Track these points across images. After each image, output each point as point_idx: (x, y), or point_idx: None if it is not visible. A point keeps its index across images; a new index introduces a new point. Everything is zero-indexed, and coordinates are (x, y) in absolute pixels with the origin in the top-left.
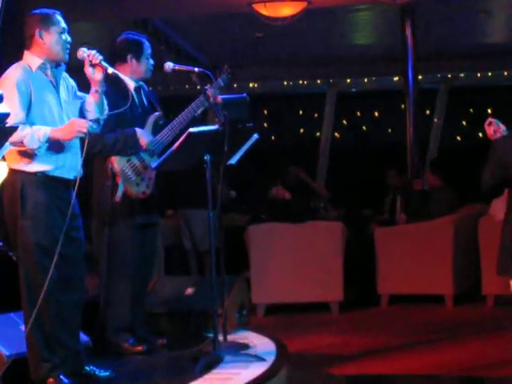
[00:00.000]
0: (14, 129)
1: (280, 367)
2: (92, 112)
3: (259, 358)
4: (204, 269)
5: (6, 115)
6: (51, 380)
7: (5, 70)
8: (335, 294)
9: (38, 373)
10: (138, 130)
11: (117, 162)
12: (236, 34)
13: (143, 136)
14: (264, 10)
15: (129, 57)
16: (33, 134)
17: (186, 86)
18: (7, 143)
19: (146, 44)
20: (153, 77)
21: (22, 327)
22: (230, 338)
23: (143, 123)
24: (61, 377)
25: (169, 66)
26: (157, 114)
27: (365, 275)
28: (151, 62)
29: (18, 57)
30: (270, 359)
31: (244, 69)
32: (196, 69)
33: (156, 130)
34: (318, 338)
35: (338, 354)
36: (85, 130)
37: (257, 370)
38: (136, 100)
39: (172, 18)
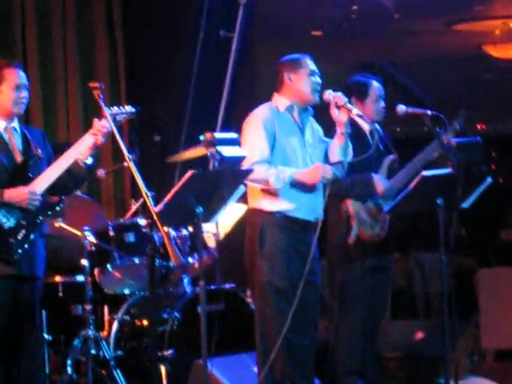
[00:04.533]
0: (248, 172)
1: None
2: (336, 154)
3: None
4: (432, 312)
5: (242, 158)
6: None
7: (238, 112)
8: None
9: None
10: (374, 176)
11: (352, 205)
12: (463, 75)
13: (380, 182)
14: (494, 51)
15: (353, 99)
16: (278, 174)
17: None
18: (242, 186)
19: (374, 85)
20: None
21: (254, 368)
22: (460, 383)
23: (377, 166)
24: None
25: (401, 109)
26: (392, 157)
27: None
28: (381, 104)
29: (250, 99)
30: None
31: (472, 111)
32: (429, 112)
33: (390, 174)
34: None
35: None
36: (329, 177)
37: None
38: (371, 142)
39: (401, 61)
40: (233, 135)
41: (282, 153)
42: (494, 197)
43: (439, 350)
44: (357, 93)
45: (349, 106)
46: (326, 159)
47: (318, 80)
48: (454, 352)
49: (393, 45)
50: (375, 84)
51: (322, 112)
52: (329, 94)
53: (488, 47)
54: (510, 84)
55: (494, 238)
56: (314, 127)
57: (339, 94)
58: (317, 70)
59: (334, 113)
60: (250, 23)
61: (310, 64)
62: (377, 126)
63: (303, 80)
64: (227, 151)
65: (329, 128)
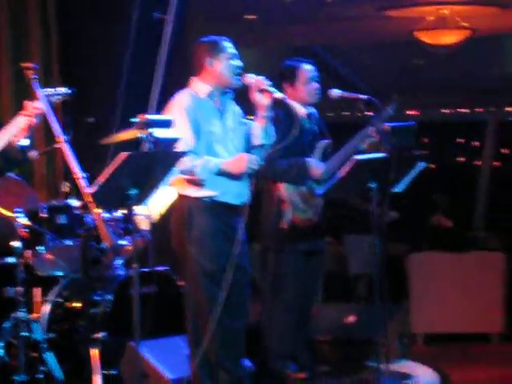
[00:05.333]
0: (182, 154)
1: None
2: (258, 137)
3: None
4: (362, 296)
5: (175, 140)
6: None
7: (171, 95)
8: (495, 324)
9: None
10: (310, 160)
11: (285, 189)
12: (396, 61)
13: (315, 167)
14: (426, 37)
15: (284, 84)
16: (204, 165)
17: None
18: (176, 168)
19: (303, 68)
20: (321, 103)
21: (186, 351)
22: (391, 367)
23: (311, 150)
24: None
25: (335, 93)
26: (326, 141)
27: None
28: (313, 85)
29: (184, 82)
30: None
31: (403, 97)
32: (362, 96)
33: (324, 158)
34: (477, 370)
35: None
36: (255, 166)
37: None
38: (306, 126)
39: (334, 46)
40: (166, 117)
41: (205, 140)
42: (425, 182)
43: (370, 334)
44: (286, 76)
45: (270, 89)
46: (247, 142)
47: (238, 63)
48: (385, 336)
49: (326, 30)
50: (305, 66)
51: (242, 94)
52: (250, 78)
53: (420, 33)
54: (442, 70)
55: (425, 222)
56: (234, 110)
57: (261, 77)
58: (236, 53)
59: (256, 96)
60: (184, 5)
61: (230, 47)
62: (313, 109)
63: (223, 64)
64: (160, 133)
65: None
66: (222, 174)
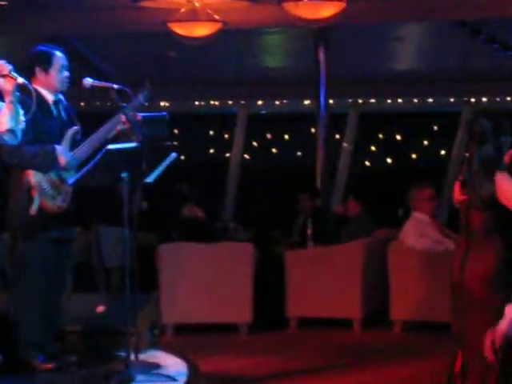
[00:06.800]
0: None
1: None
2: (6, 122)
3: (171, 378)
4: (112, 286)
5: None
6: None
7: None
8: (244, 315)
9: None
10: (57, 147)
11: (33, 175)
12: (150, 53)
13: (63, 154)
14: (179, 29)
15: (37, 69)
16: None
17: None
18: None
19: (57, 55)
20: (74, 92)
21: None
22: (141, 357)
23: (61, 137)
24: None
25: (87, 81)
26: (75, 128)
27: (274, 297)
28: (65, 74)
29: None
30: (182, 379)
31: (156, 88)
32: (115, 85)
33: (73, 145)
34: (226, 360)
35: (248, 375)
36: None
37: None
38: (54, 113)
39: (87, 36)
40: None
41: None
42: (175, 173)
43: (120, 324)
44: (41, 62)
45: (13, 74)
46: None
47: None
48: (134, 326)
49: (80, 19)
50: (58, 54)
51: None
52: None
53: (173, 25)
54: (194, 62)
55: (175, 213)
56: None
57: (2, 62)
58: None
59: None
60: None
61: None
62: (61, 96)
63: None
64: None
65: None
66: None
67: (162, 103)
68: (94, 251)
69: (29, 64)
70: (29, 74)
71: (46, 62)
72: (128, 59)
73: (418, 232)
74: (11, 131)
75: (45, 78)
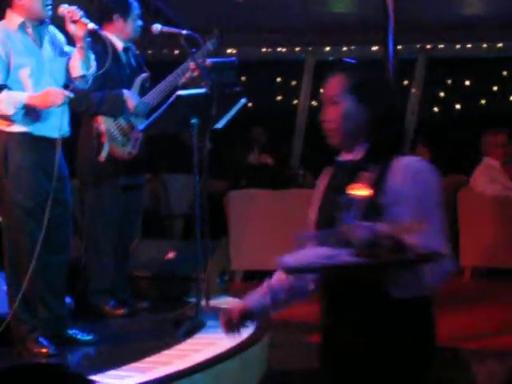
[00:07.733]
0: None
1: (263, 333)
2: (78, 68)
3: None
4: (180, 233)
5: None
6: (30, 341)
7: None
8: None
9: (17, 334)
10: (125, 91)
11: (103, 122)
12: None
13: (131, 98)
14: None
15: (115, 16)
16: (8, 100)
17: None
18: None
19: (134, 4)
20: (141, 39)
21: (4, 287)
22: (211, 303)
23: (130, 84)
24: (40, 339)
25: (156, 27)
26: (144, 75)
27: None
28: (139, 22)
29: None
30: (253, 325)
31: (223, 34)
32: (184, 31)
33: (143, 92)
34: (295, 306)
35: (316, 321)
36: (59, 102)
37: (240, 335)
38: (123, 60)
39: None
40: None
41: (18, 75)
42: (244, 119)
43: (190, 270)
44: (119, 10)
45: (84, 20)
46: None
47: None
48: (204, 272)
49: None
50: (135, 3)
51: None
52: (64, 9)
53: None
54: (260, 8)
55: (243, 160)
56: (55, 39)
57: (74, 7)
58: None
59: (70, 28)
60: None
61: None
62: (130, 43)
63: None
64: None
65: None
66: (28, 108)
67: (229, 50)
68: (161, 198)
69: (106, 11)
70: (102, 21)
71: (125, 10)
72: (195, 6)
73: (488, 178)
74: (83, 77)
75: (122, 25)
